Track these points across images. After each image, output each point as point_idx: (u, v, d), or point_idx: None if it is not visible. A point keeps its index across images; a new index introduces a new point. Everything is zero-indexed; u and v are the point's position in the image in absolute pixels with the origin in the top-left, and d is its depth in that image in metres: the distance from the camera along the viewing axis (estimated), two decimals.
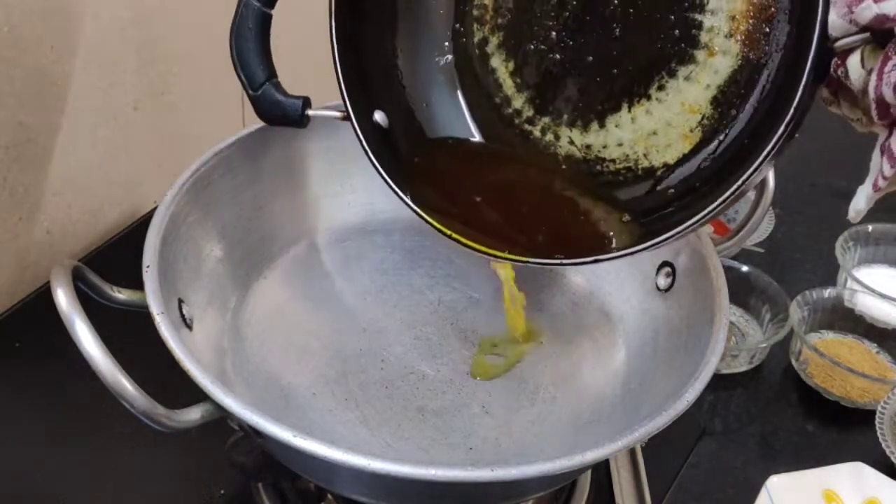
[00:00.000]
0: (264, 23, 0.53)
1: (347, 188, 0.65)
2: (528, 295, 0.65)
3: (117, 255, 0.76)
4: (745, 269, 0.75)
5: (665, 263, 0.59)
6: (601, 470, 0.60)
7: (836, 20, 0.39)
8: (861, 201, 0.44)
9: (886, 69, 0.38)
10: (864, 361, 0.71)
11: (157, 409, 0.43)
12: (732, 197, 0.45)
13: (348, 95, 0.54)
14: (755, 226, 0.59)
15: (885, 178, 0.42)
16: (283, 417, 0.43)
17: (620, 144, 0.52)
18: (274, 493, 0.57)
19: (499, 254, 0.53)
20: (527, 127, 0.55)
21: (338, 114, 0.55)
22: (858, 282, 0.75)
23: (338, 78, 0.54)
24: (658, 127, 0.51)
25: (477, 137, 0.57)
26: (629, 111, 0.51)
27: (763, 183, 0.57)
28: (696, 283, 0.55)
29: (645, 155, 0.52)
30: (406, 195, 0.54)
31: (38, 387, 0.64)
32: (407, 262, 0.66)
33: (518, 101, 0.55)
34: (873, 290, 0.74)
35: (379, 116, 0.56)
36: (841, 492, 0.58)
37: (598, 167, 0.53)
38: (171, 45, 0.77)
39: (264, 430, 0.42)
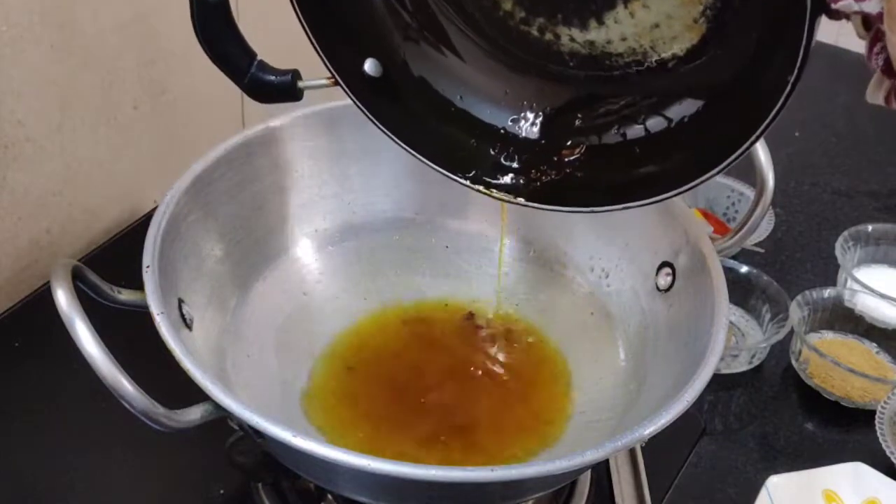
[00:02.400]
0: (222, 10, 0.51)
1: (347, 188, 0.65)
2: (528, 296, 0.65)
3: (117, 255, 0.76)
4: (745, 269, 0.75)
5: (665, 263, 0.59)
6: (601, 470, 0.60)
7: None
8: (877, 98, 0.43)
9: (875, 50, 0.39)
10: (864, 361, 0.71)
11: (157, 409, 0.43)
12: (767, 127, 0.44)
13: (329, 56, 0.52)
14: (755, 226, 0.59)
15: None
16: (283, 417, 0.43)
17: (624, 39, 0.50)
18: (274, 493, 0.57)
19: (513, 200, 0.53)
20: (523, 28, 0.53)
21: (326, 81, 0.54)
22: (858, 282, 0.75)
23: (310, 39, 0.52)
24: (659, 19, 0.49)
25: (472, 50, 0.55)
26: (626, 7, 0.49)
27: (763, 183, 0.57)
28: (696, 283, 0.55)
29: (652, 47, 0.50)
30: (413, 148, 0.53)
31: (38, 387, 0.64)
32: (407, 263, 0.66)
33: (507, 4, 0.52)
34: (873, 290, 0.74)
35: (369, 66, 0.54)
36: (841, 492, 0.58)
37: (607, 62, 0.52)
38: (172, 44, 0.77)
39: (264, 430, 0.42)
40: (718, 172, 0.47)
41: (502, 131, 0.56)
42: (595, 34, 0.51)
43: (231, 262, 0.59)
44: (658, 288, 0.59)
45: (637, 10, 0.49)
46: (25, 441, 0.60)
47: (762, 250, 0.83)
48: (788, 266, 0.83)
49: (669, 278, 0.58)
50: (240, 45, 0.53)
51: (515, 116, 0.56)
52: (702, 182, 0.48)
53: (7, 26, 0.63)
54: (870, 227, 0.81)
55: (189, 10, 0.51)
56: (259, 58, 0.53)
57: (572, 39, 0.51)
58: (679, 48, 0.50)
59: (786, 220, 0.87)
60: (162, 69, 0.77)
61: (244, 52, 0.53)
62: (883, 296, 0.74)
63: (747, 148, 0.45)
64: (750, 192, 0.83)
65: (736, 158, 0.46)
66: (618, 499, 0.59)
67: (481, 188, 0.55)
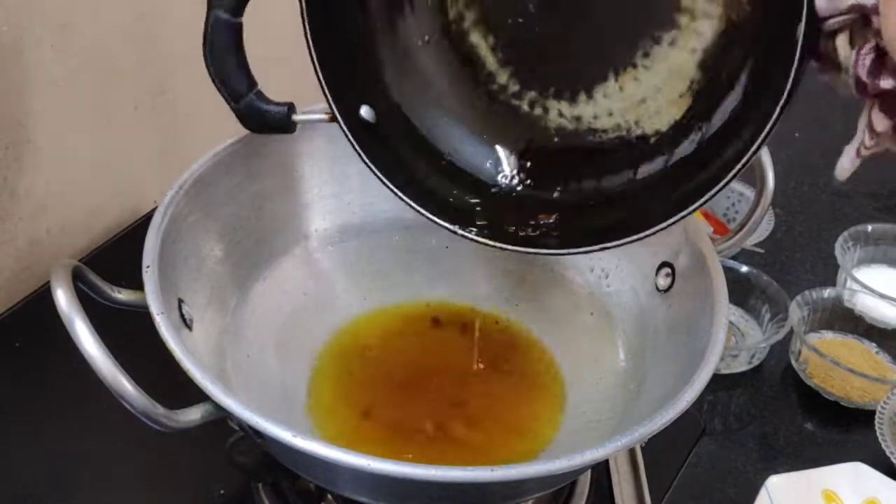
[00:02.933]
0: (236, 33, 0.52)
1: (347, 188, 0.65)
2: (528, 296, 0.65)
3: (117, 255, 0.76)
4: (745, 269, 0.75)
5: (665, 264, 0.59)
6: (601, 470, 0.60)
7: (821, 3, 0.40)
8: (846, 162, 0.44)
9: (864, 51, 0.40)
10: (864, 361, 0.71)
11: (157, 409, 0.43)
12: (743, 165, 0.45)
13: (332, 95, 0.53)
14: (755, 226, 0.59)
15: (866, 147, 0.43)
16: (282, 417, 0.43)
17: (611, 114, 0.52)
18: (274, 493, 0.57)
19: (501, 245, 0.53)
20: (514, 102, 0.54)
21: (324, 116, 0.55)
22: (858, 282, 0.75)
23: (319, 79, 0.53)
24: (647, 94, 0.50)
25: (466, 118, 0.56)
26: (616, 80, 0.50)
27: (763, 183, 0.57)
28: (695, 283, 0.55)
29: (636, 123, 0.51)
30: (401, 191, 0.53)
31: (38, 387, 0.64)
32: (407, 263, 0.66)
33: (502, 77, 0.54)
34: (873, 290, 0.74)
35: (365, 111, 0.55)
36: (841, 492, 0.58)
37: (591, 137, 0.53)
38: (172, 44, 0.77)
39: (264, 431, 0.42)
40: (694, 210, 0.48)
41: (486, 191, 0.57)
42: (583, 108, 0.52)
43: (231, 262, 0.59)
44: (658, 288, 0.59)
45: (627, 84, 0.50)
46: (25, 441, 0.60)
47: (762, 250, 0.83)
48: (788, 266, 0.83)
49: (669, 278, 0.58)
50: (244, 70, 0.53)
51: (495, 184, 0.57)
52: (678, 221, 0.49)
53: (7, 26, 0.63)
54: (869, 228, 0.81)
55: (203, 31, 0.51)
56: (258, 88, 0.54)
57: (560, 114, 0.53)
58: (662, 124, 0.51)
59: (786, 220, 0.87)
60: (162, 69, 0.77)
61: (246, 78, 0.53)
62: (882, 296, 0.74)
63: (725, 184, 0.46)
64: (750, 193, 0.83)
65: (713, 195, 0.47)
66: (618, 499, 0.59)
67: (466, 234, 0.55)
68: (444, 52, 0.55)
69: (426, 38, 0.55)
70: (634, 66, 0.50)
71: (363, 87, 0.55)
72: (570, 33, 0.51)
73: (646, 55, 0.49)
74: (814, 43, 0.42)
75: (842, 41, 0.40)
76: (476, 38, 0.54)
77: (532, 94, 0.53)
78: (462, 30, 0.54)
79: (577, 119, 0.52)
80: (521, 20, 0.52)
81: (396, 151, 0.56)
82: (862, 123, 0.43)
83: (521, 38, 0.52)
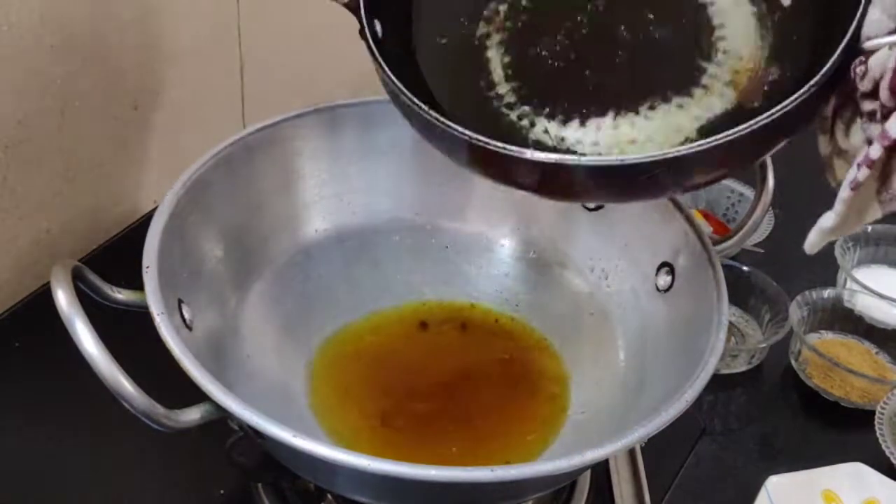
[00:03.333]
0: None
1: (347, 188, 0.65)
2: (528, 296, 0.65)
3: (117, 255, 0.76)
4: (745, 269, 0.75)
5: (665, 264, 0.59)
6: (601, 470, 0.60)
7: (876, 16, 0.40)
8: (828, 220, 0.44)
9: None
10: (864, 362, 0.71)
11: (157, 409, 0.43)
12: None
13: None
14: (755, 226, 0.59)
15: (869, 162, 0.42)
16: (282, 417, 0.43)
17: (596, 144, 0.52)
18: (274, 493, 0.57)
19: (524, 154, 0.47)
20: (504, 110, 0.53)
21: None
22: (858, 282, 0.75)
23: None
24: (639, 138, 0.51)
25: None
26: (614, 119, 0.51)
27: (763, 183, 0.57)
28: (696, 283, 0.55)
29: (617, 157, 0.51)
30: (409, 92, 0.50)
31: (38, 387, 0.64)
32: (407, 263, 0.66)
33: (503, 88, 0.53)
34: (873, 291, 0.74)
35: (378, 26, 0.53)
36: (840, 492, 0.58)
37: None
38: (172, 44, 0.77)
39: (264, 431, 0.42)
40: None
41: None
42: (570, 132, 0.51)
43: (231, 261, 0.59)
44: (658, 288, 0.59)
45: (622, 125, 0.50)
46: (25, 441, 0.60)
47: (762, 250, 0.83)
48: (788, 266, 0.83)
49: (669, 278, 0.58)
50: None
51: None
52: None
53: (7, 26, 0.63)
54: (869, 228, 0.81)
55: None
56: None
57: (545, 131, 0.52)
58: None
59: (786, 220, 0.87)
60: (162, 69, 0.77)
61: None
62: (882, 296, 0.74)
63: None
64: (750, 193, 0.83)
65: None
66: (618, 499, 0.59)
67: (431, 115, 0.49)
68: (457, 52, 0.55)
69: (443, 39, 0.55)
70: (636, 112, 0.50)
71: (388, 10, 0.53)
72: (587, 71, 0.51)
73: (651, 108, 0.50)
74: (843, 70, 0.42)
75: (880, 54, 0.40)
76: (493, 53, 0.54)
77: (525, 109, 0.53)
78: (483, 45, 0.54)
79: (560, 139, 0.52)
80: (545, 53, 0.52)
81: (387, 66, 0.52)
82: (860, 156, 0.43)
83: (536, 65, 0.53)
